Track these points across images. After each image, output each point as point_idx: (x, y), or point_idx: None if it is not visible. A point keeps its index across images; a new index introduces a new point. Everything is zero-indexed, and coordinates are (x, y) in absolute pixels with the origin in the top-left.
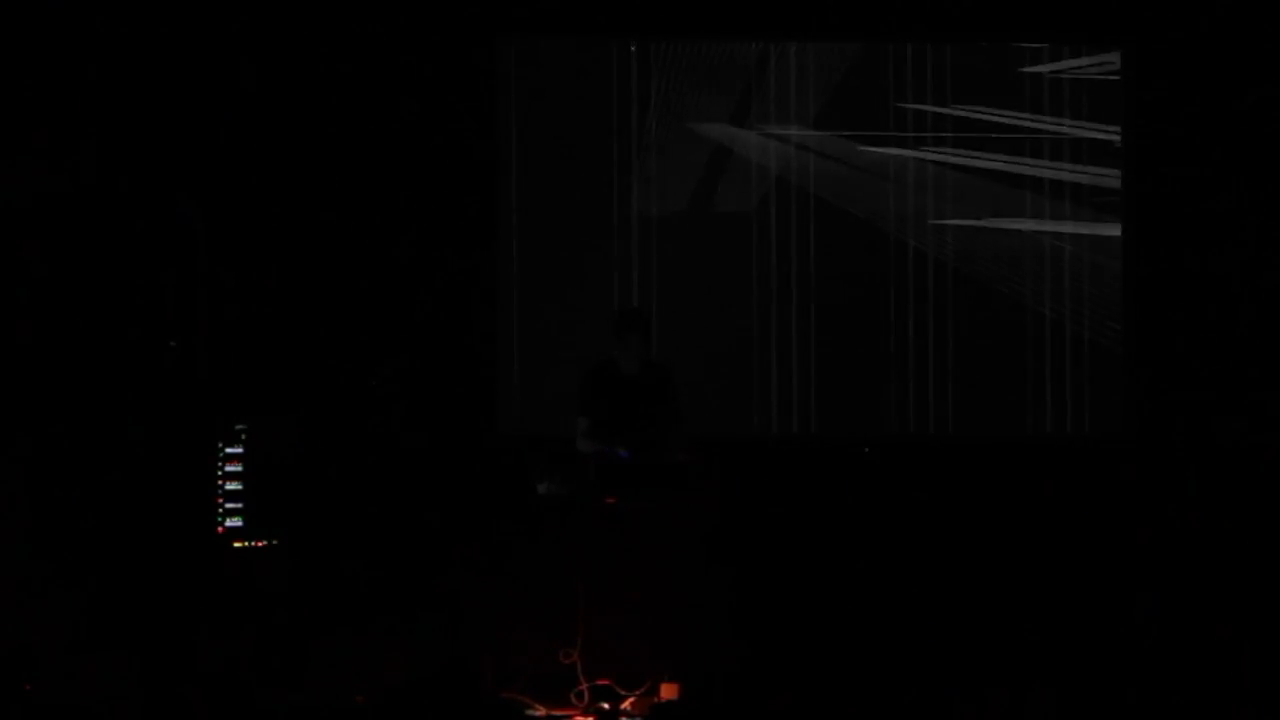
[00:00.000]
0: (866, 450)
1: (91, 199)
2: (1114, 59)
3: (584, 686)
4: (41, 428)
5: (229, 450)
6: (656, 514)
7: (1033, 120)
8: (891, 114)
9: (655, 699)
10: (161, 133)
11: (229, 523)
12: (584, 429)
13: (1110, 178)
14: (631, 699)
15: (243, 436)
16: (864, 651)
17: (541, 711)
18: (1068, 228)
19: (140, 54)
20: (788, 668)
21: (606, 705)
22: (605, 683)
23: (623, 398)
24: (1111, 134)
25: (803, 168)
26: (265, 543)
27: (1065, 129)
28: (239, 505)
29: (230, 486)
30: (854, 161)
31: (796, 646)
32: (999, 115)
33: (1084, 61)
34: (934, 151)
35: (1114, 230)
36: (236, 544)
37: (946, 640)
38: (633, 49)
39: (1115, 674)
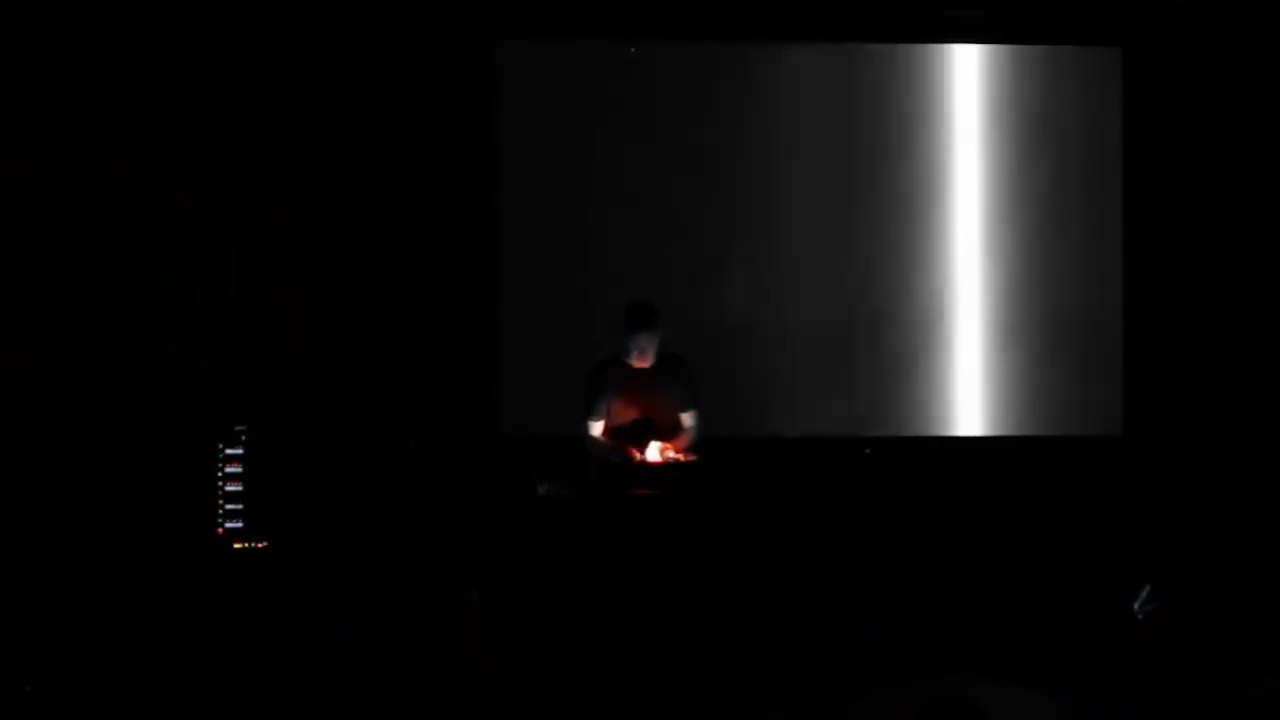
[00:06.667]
0: (867, 451)
1: (92, 197)
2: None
3: None
4: (41, 427)
5: (229, 451)
6: (657, 514)
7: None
8: (892, 111)
9: None
10: (161, 131)
11: (229, 523)
12: (593, 432)
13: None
14: None
15: (243, 437)
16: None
17: None
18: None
19: (140, 52)
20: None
21: None
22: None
23: (632, 391)
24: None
25: (803, 164)
26: (265, 543)
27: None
28: (239, 506)
29: (230, 487)
30: (856, 156)
31: (797, 645)
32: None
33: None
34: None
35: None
36: (236, 544)
37: (946, 638)
38: (632, 50)
39: (1112, 666)
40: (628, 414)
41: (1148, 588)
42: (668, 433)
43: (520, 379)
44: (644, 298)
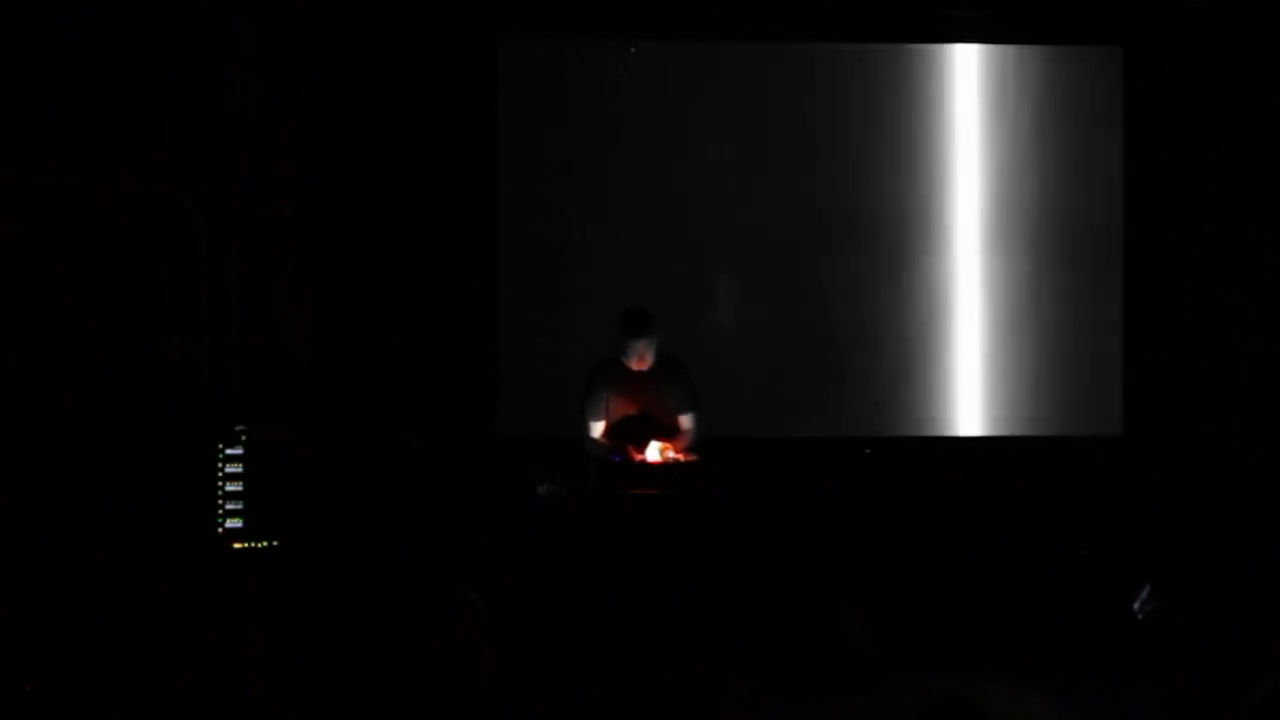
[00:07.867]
0: (867, 451)
1: (92, 197)
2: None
3: None
4: (42, 427)
5: (229, 451)
6: (656, 514)
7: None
8: (892, 111)
9: None
10: (161, 131)
11: (229, 523)
12: (593, 433)
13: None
14: None
15: (243, 437)
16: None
17: None
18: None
19: (141, 52)
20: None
21: None
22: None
23: (631, 392)
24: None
25: (803, 163)
26: (265, 543)
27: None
28: (239, 506)
29: (230, 487)
30: (856, 156)
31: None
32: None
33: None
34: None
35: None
36: (236, 544)
37: (947, 637)
38: (633, 50)
39: (1112, 666)
40: (624, 413)
41: (1148, 588)
42: (667, 434)
43: (519, 380)
44: (638, 304)
